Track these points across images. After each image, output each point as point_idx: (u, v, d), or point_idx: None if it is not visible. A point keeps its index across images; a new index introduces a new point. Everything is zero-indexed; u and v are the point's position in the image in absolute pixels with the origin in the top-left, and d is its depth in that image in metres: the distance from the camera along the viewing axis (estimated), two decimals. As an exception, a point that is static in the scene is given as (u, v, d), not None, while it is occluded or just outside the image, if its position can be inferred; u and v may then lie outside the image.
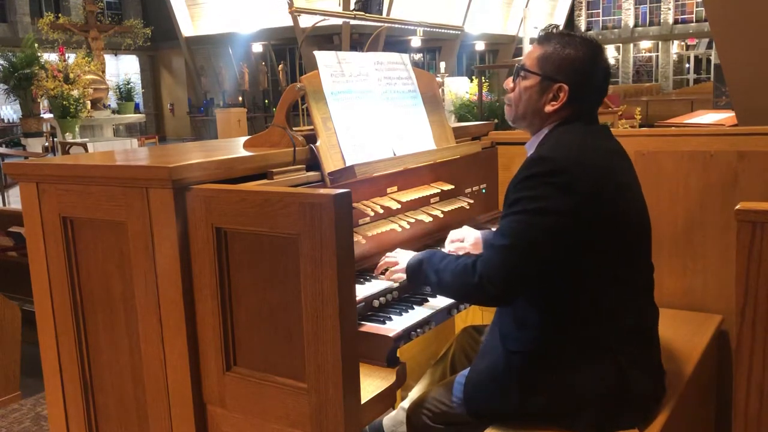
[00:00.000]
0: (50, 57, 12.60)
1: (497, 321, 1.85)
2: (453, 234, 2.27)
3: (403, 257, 1.97)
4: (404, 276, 1.93)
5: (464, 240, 2.23)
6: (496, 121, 11.18)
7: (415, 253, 1.96)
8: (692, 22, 31.41)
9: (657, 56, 32.53)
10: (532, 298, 1.74)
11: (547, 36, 1.84)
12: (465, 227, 2.33)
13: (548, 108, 1.80)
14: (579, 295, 1.72)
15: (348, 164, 2.03)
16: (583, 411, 1.72)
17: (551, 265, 1.66)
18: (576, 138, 1.76)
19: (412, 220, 2.25)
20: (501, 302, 1.77)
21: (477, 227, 2.61)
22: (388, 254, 2.05)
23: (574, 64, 1.77)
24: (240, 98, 21.95)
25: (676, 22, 32.02)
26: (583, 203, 1.64)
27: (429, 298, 1.98)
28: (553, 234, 1.63)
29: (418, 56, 24.14)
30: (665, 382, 1.89)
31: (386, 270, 2.02)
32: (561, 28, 1.87)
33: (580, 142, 1.74)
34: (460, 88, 14.33)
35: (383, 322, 1.79)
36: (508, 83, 1.89)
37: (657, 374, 1.86)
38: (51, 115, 12.22)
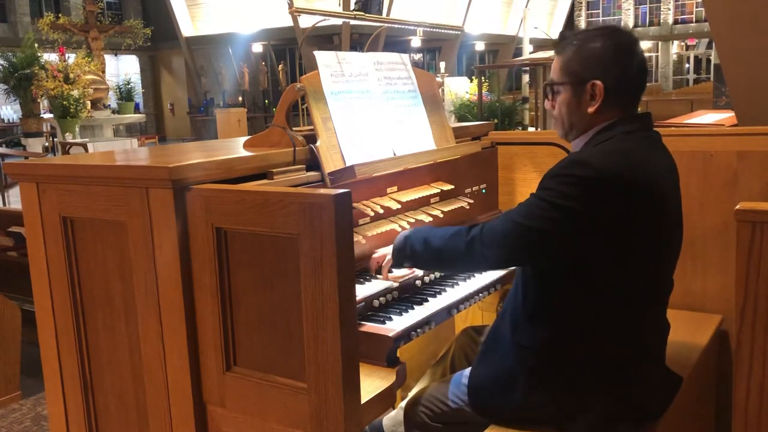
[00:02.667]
0: (50, 57, 12.61)
1: (508, 310, 1.83)
2: None
3: (385, 249, 2.02)
4: (389, 257, 1.97)
5: None
6: (496, 121, 11.20)
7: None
8: (692, 22, 31.40)
9: (657, 56, 32.50)
10: (545, 294, 1.74)
11: (562, 43, 1.79)
12: None
13: (590, 109, 1.73)
14: (591, 301, 1.70)
15: (348, 164, 2.03)
16: (583, 413, 1.72)
17: (550, 259, 1.68)
18: (624, 147, 1.68)
19: (412, 220, 2.25)
20: (481, 266, 1.84)
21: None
22: (377, 250, 2.07)
23: (599, 56, 1.71)
24: (240, 98, 21.96)
25: (676, 22, 32.00)
26: (612, 214, 1.61)
27: (429, 298, 1.98)
28: (566, 234, 1.63)
29: (418, 56, 24.12)
30: (673, 391, 1.88)
31: (380, 268, 2.04)
32: (573, 30, 1.83)
33: (627, 151, 1.67)
34: (460, 88, 14.33)
35: (383, 322, 1.79)
36: (548, 104, 1.84)
37: (661, 387, 1.84)
38: (51, 115, 12.22)
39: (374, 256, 2.06)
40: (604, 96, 1.71)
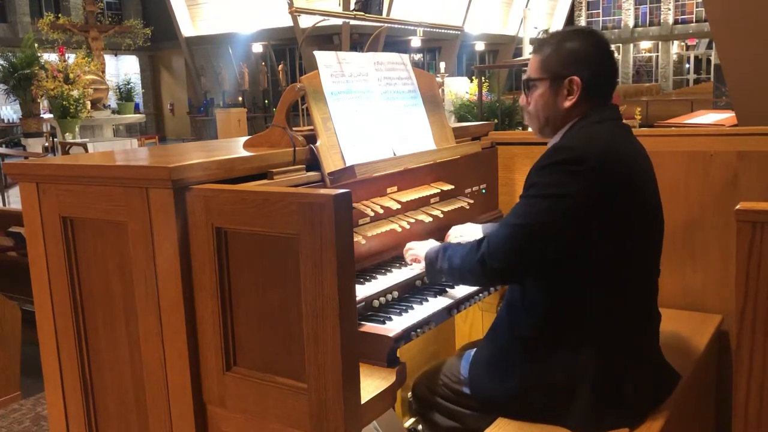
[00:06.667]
0: (50, 57, 12.61)
1: (507, 305, 1.88)
2: (454, 230, 2.32)
3: (421, 249, 2.04)
4: (423, 264, 2.00)
5: (463, 236, 2.26)
6: (495, 121, 11.19)
7: (435, 243, 2.04)
8: (692, 22, 31.41)
9: (657, 56, 32.53)
10: (541, 285, 1.77)
11: (540, 43, 1.86)
12: (468, 224, 2.37)
13: (567, 104, 1.80)
14: (585, 289, 1.74)
15: (348, 164, 2.03)
16: (576, 399, 1.73)
17: (555, 251, 1.69)
18: (598, 131, 1.77)
19: (412, 220, 2.25)
20: (500, 279, 1.82)
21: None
22: (408, 244, 2.12)
23: (576, 54, 1.79)
24: (240, 98, 21.92)
25: (676, 22, 32.01)
26: (597, 194, 1.67)
27: (429, 298, 1.98)
28: (563, 219, 1.67)
29: (418, 56, 24.11)
30: (669, 385, 1.89)
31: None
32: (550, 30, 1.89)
33: (602, 136, 1.76)
34: (460, 88, 14.33)
35: (383, 322, 1.79)
36: (523, 100, 1.91)
37: (656, 377, 1.86)
38: (51, 115, 12.22)
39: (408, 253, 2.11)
40: (581, 91, 1.78)
